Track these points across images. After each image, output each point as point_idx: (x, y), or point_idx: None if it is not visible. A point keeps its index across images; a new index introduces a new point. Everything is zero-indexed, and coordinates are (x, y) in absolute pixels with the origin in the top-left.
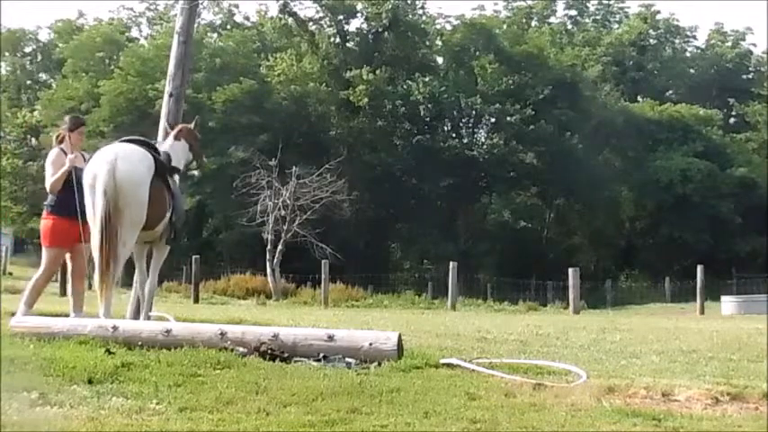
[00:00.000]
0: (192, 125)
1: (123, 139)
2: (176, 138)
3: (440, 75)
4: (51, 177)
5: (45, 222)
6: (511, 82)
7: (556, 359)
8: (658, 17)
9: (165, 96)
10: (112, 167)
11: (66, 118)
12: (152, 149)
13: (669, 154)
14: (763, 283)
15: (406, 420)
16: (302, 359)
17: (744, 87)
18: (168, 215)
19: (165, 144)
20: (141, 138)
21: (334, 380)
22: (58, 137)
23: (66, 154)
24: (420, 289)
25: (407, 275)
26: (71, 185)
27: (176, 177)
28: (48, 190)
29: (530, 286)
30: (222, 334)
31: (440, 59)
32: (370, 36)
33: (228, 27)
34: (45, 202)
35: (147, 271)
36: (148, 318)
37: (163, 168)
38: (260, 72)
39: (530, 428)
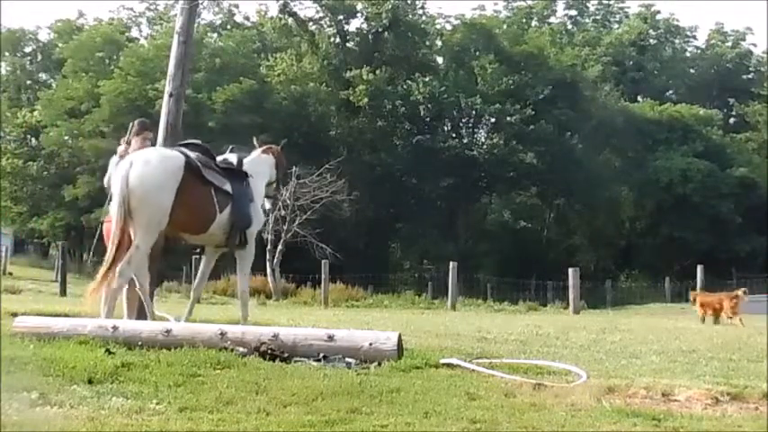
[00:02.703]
0: (279, 147)
1: (178, 143)
2: (264, 152)
3: (440, 75)
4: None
5: (107, 225)
6: (511, 82)
7: (556, 359)
8: (658, 17)
9: (165, 96)
10: (126, 171)
11: (134, 123)
12: (203, 152)
13: (669, 154)
14: (763, 283)
15: (406, 420)
16: (302, 359)
17: (744, 87)
18: (227, 218)
19: (252, 155)
20: (194, 141)
21: (334, 380)
22: (127, 141)
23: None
24: (420, 289)
25: (407, 275)
26: None
27: (249, 182)
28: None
29: (530, 286)
30: (222, 334)
31: (440, 59)
32: (370, 36)
33: (228, 27)
34: (105, 207)
35: (200, 276)
36: (245, 320)
37: (198, 168)
38: (260, 72)
39: (530, 428)
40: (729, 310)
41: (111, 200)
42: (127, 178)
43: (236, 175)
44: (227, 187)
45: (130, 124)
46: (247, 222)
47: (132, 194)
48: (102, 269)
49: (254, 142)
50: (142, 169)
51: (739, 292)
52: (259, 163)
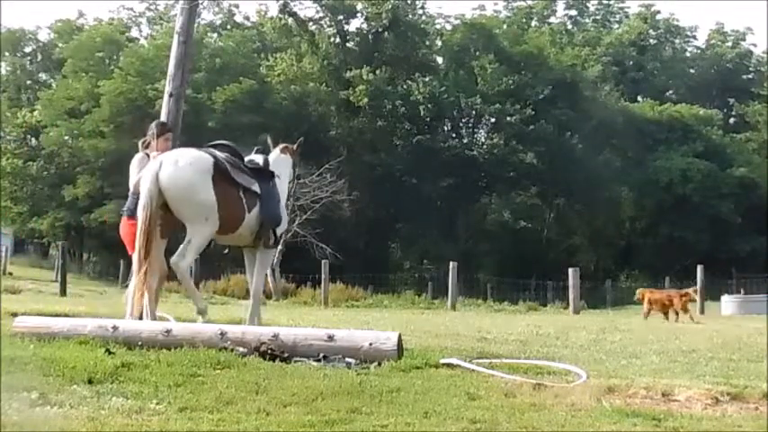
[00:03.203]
0: (294, 146)
1: (206, 145)
2: (282, 151)
3: (440, 75)
4: (134, 178)
5: (130, 228)
6: (511, 82)
7: (556, 359)
8: (658, 17)
9: (165, 96)
10: (155, 173)
11: (153, 124)
12: (231, 153)
13: (669, 154)
14: (763, 283)
15: (406, 420)
16: (302, 359)
17: (744, 87)
18: (255, 218)
19: (273, 154)
20: (222, 141)
21: (334, 380)
22: (143, 142)
23: (149, 158)
24: (420, 289)
25: (407, 275)
26: None
27: (276, 181)
28: (131, 191)
29: (530, 286)
30: (222, 334)
31: (440, 59)
32: (370, 36)
33: (228, 27)
34: (123, 207)
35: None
36: (254, 323)
37: (226, 169)
38: (260, 72)
39: (530, 428)
40: (679, 307)
41: (136, 201)
42: (156, 178)
43: (264, 174)
44: (255, 187)
45: (151, 125)
46: (277, 222)
47: (167, 194)
48: (138, 269)
49: (268, 141)
50: (172, 169)
51: (690, 290)
52: (281, 163)
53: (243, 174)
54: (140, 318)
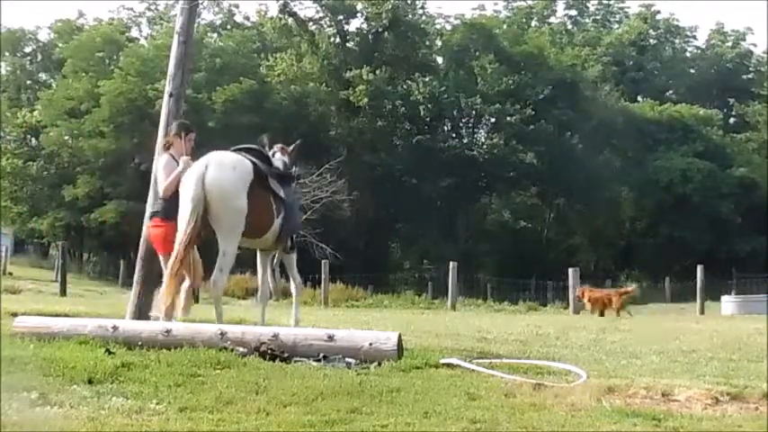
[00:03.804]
0: (290, 148)
1: (234, 148)
2: (281, 153)
3: (440, 75)
4: (164, 182)
5: (156, 230)
6: (511, 82)
7: (556, 359)
8: (658, 17)
9: (165, 96)
10: (201, 175)
11: (174, 124)
12: (260, 157)
13: (669, 154)
14: (763, 283)
15: (406, 420)
16: (302, 359)
17: (744, 87)
18: (279, 223)
19: (277, 156)
20: (253, 146)
21: (334, 380)
22: (165, 143)
23: (175, 160)
24: (420, 289)
25: (407, 275)
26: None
27: (292, 186)
28: (161, 195)
29: (530, 286)
30: (222, 334)
31: (440, 59)
32: (370, 36)
33: (228, 27)
34: (152, 209)
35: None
36: (297, 323)
37: (264, 175)
38: (260, 72)
39: (530, 428)
40: (617, 306)
41: (160, 202)
42: (203, 182)
43: (286, 179)
44: (282, 193)
45: (172, 126)
46: (298, 227)
47: (211, 198)
48: (173, 271)
49: (264, 140)
50: (219, 174)
51: (630, 288)
52: (284, 164)
53: (274, 179)
54: (171, 318)
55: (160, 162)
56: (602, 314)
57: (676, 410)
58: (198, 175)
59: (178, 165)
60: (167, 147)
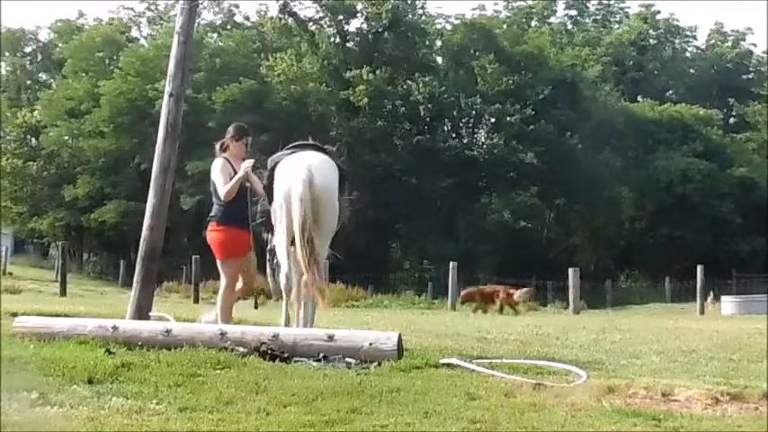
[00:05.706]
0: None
1: (295, 144)
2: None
3: (440, 75)
4: (224, 186)
5: (216, 235)
6: (511, 82)
7: (556, 359)
8: (658, 17)
9: (165, 96)
10: (308, 178)
11: (231, 127)
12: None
13: (669, 154)
14: (763, 283)
15: (406, 420)
16: (302, 359)
17: (744, 87)
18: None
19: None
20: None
21: (334, 380)
22: (221, 146)
23: (230, 163)
24: (420, 289)
25: (407, 275)
26: (242, 194)
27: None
28: (222, 199)
29: (529, 286)
30: (222, 334)
31: (440, 59)
32: (370, 36)
33: (228, 27)
34: (211, 214)
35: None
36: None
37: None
38: (260, 72)
39: (530, 428)
40: (505, 301)
41: (218, 207)
42: (309, 186)
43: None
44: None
45: (228, 129)
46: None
47: (319, 202)
48: (308, 284)
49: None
50: (325, 176)
51: (518, 292)
52: None
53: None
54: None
55: (216, 165)
56: (484, 311)
57: (676, 410)
58: (304, 181)
59: (234, 168)
60: (224, 149)
